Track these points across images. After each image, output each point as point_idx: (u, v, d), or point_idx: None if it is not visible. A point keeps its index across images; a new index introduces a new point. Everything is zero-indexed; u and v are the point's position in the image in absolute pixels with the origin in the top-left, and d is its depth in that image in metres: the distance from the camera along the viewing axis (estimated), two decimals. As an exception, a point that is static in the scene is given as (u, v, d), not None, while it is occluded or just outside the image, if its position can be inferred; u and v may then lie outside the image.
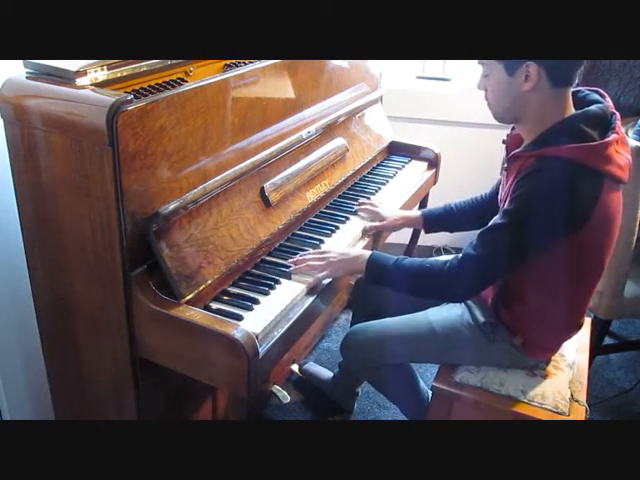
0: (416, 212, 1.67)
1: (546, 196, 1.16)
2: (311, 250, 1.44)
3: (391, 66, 2.37)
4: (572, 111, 1.22)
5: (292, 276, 1.35)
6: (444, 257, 1.29)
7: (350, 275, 1.36)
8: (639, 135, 1.92)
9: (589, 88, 1.30)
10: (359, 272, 1.35)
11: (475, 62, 1.27)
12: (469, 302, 1.44)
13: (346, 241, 1.55)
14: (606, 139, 1.17)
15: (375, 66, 2.08)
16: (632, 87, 2.24)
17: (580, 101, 1.26)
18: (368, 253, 1.35)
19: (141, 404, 1.27)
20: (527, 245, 1.19)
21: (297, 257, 1.40)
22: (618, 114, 1.24)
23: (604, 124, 1.20)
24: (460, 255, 1.25)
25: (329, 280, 1.37)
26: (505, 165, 1.33)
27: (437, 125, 2.55)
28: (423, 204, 2.11)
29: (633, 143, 1.75)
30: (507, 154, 1.31)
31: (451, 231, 1.24)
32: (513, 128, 1.34)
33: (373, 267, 1.33)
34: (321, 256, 1.38)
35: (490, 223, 1.24)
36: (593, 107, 1.21)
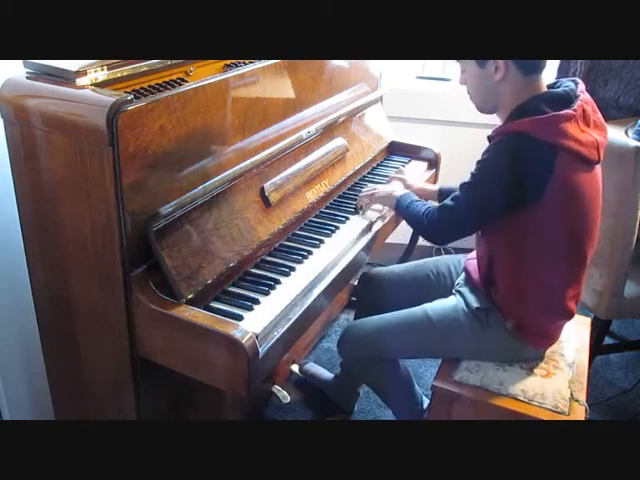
0: (434, 186, 1.79)
1: (496, 163, 1.27)
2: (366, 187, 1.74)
3: (391, 66, 2.37)
4: None
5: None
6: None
7: (387, 205, 1.67)
8: (639, 135, 1.92)
9: (569, 79, 1.34)
10: (391, 206, 1.63)
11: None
12: (463, 290, 1.48)
13: (346, 241, 1.55)
14: (557, 112, 1.22)
15: (375, 66, 2.08)
16: (632, 87, 2.24)
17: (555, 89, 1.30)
18: (400, 194, 1.58)
19: (141, 404, 1.27)
20: (484, 205, 1.30)
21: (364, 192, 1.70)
22: (588, 97, 1.29)
23: (566, 104, 1.25)
24: (442, 204, 1.41)
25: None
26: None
27: (437, 125, 2.55)
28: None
29: (633, 143, 1.75)
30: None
31: None
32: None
33: (398, 204, 1.58)
34: (372, 191, 1.67)
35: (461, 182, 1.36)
36: (558, 89, 1.28)
